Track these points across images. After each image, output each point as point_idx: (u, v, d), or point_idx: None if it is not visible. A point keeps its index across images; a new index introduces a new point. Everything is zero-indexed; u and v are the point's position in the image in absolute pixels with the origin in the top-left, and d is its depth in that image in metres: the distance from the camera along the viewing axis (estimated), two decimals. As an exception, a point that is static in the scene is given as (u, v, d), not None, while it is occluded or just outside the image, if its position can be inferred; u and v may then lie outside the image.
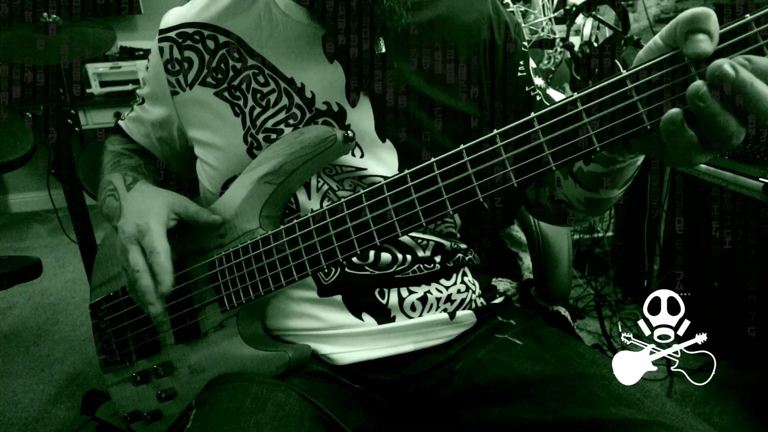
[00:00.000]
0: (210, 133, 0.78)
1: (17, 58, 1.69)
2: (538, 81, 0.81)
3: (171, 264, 0.69)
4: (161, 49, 0.80)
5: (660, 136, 0.46)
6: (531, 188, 0.80)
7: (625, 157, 0.58)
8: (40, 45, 1.59)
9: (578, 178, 0.66)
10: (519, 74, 0.78)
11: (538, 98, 0.78)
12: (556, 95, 0.85)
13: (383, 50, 0.72)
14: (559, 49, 2.13)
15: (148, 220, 0.70)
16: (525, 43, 0.80)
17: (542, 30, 2.12)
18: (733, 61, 0.41)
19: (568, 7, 1.98)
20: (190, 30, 0.79)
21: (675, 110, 0.44)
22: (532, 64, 0.81)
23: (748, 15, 0.43)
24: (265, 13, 0.76)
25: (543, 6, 2.13)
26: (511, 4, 2.05)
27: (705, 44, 0.43)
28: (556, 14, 2.08)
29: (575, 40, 2.01)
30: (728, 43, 0.44)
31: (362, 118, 0.73)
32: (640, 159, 0.61)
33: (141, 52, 3.23)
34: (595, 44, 1.87)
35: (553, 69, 2.17)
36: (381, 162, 0.74)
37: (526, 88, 0.78)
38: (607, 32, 1.93)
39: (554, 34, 2.14)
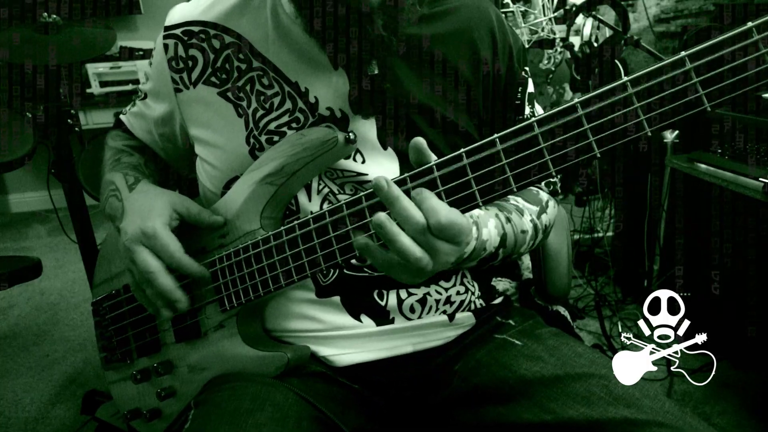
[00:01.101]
0: (212, 132, 0.78)
1: (17, 58, 1.69)
2: (527, 110, 0.83)
3: (191, 258, 0.71)
4: (166, 46, 0.80)
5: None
6: None
7: None
8: (40, 45, 1.59)
9: None
10: (516, 102, 0.80)
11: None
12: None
13: (375, 72, 0.72)
14: (559, 49, 2.13)
15: (152, 223, 0.70)
16: (527, 68, 0.81)
17: (542, 30, 2.12)
18: (389, 179, 0.55)
19: (568, 7, 1.99)
20: (195, 28, 0.79)
21: (361, 238, 0.57)
22: (530, 88, 0.82)
23: (749, 22, 0.43)
24: (272, 16, 0.76)
25: (543, 6, 2.13)
26: (511, 5, 2.05)
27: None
28: (556, 14, 2.08)
29: (575, 40, 2.02)
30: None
31: (365, 125, 0.73)
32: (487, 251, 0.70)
33: (141, 52, 3.23)
34: (595, 44, 1.87)
35: (553, 69, 2.18)
36: (382, 169, 0.74)
37: (516, 117, 0.80)
38: (607, 32, 1.93)
39: (554, 34, 2.14)
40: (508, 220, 0.74)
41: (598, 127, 0.49)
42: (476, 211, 0.70)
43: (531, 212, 0.78)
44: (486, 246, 0.70)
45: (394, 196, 0.54)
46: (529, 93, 0.82)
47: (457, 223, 0.54)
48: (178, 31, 0.79)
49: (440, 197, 0.57)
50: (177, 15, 0.80)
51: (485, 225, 0.70)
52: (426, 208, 0.54)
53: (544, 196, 0.82)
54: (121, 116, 0.93)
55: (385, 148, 0.74)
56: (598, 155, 0.50)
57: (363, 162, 0.74)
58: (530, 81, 0.83)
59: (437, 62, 0.75)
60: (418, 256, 0.54)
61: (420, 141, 0.57)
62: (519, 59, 0.80)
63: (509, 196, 0.73)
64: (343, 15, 0.66)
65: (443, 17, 0.77)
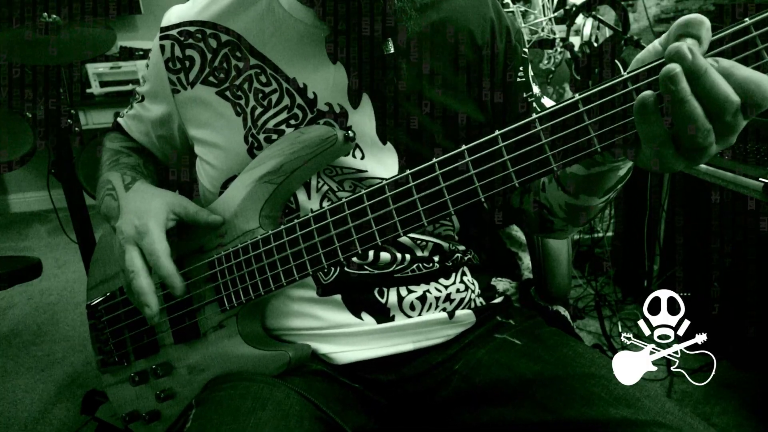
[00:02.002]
0: (211, 132, 0.78)
1: (17, 58, 1.69)
2: (534, 89, 0.81)
3: (173, 265, 0.68)
4: (162, 47, 0.80)
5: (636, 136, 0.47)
6: (516, 194, 0.80)
7: (604, 159, 0.58)
8: (40, 45, 1.59)
9: (561, 181, 0.67)
10: (518, 80, 0.78)
11: (534, 105, 0.79)
12: (550, 104, 0.87)
13: (391, 51, 0.71)
14: (559, 49, 2.13)
15: (146, 221, 0.70)
16: (525, 49, 0.80)
17: (542, 30, 2.12)
18: (692, 46, 0.42)
19: (568, 7, 1.98)
20: (191, 28, 0.79)
21: (648, 92, 0.44)
22: (531, 70, 0.81)
23: (747, 19, 0.43)
24: (268, 12, 0.76)
25: (543, 6, 2.13)
26: (511, 5, 2.05)
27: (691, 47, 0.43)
28: (556, 14, 2.08)
29: (575, 40, 2.01)
30: (725, 47, 0.44)
31: (364, 120, 0.73)
32: (623, 169, 0.62)
33: (141, 52, 3.22)
34: (595, 44, 1.87)
35: (553, 69, 2.17)
36: (381, 164, 0.74)
37: (524, 94, 0.79)
38: (607, 32, 1.93)
39: (554, 34, 2.14)
40: None
41: (600, 123, 0.49)
42: None
43: None
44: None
45: (701, 69, 0.42)
46: (531, 75, 0.81)
47: None
48: (174, 32, 0.79)
49: (442, 194, 0.57)
50: (173, 16, 0.81)
51: None
52: (740, 80, 0.42)
53: None
54: (119, 119, 0.93)
55: (384, 143, 0.74)
56: (599, 150, 0.50)
57: (362, 158, 0.74)
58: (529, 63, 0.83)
59: (435, 50, 0.75)
60: (708, 127, 0.44)
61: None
62: (518, 39, 0.79)
63: None
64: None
65: (438, 5, 0.77)
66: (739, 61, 0.44)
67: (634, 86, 0.47)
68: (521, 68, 0.78)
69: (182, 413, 0.75)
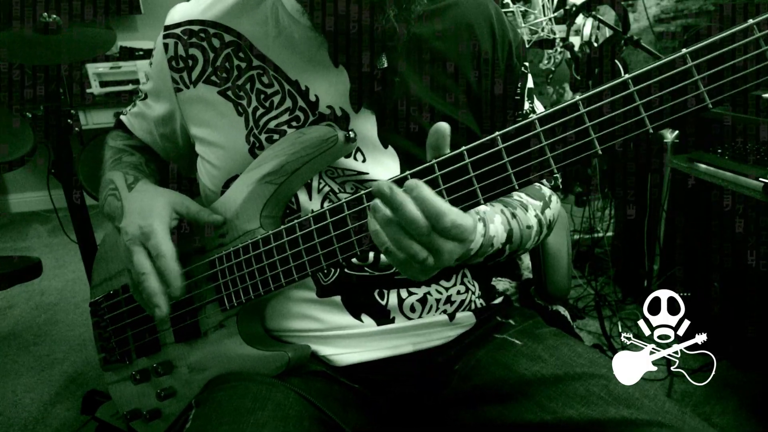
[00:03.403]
0: (212, 131, 0.78)
1: (17, 58, 1.69)
2: (526, 105, 0.83)
3: (179, 267, 0.69)
4: (166, 45, 0.80)
5: None
6: None
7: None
8: (40, 45, 1.59)
9: None
10: (516, 97, 0.80)
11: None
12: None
13: (385, 65, 0.72)
14: (559, 49, 2.13)
15: (151, 222, 0.70)
16: (526, 63, 0.81)
17: (542, 30, 2.12)
18: (392, 183, 0.52)
19: (568, 7, 1.99)
20: (195, 27, 0.79)
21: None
22: (530, 83, 0.82)
23: (751, 20, 0.43)
24: (272, 15, 0.76)
25: (543, 6, 2.13)
26: (511, 5, 2.05)
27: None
28: (556, 14, 2.08)
29: (575, 40, 2.02)
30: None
31: (365, 123, 0.73)
32: (473, 248, 0.67)
33: (141, 52, 3.23)
34: (595, 44, 1.88)
35: (553, 69, 2.18)
36: (383, 167, 0.74)
37: (515, 112, 0.81)
38: (607, 32, 1.93)
39: (554, 34, 2.15)
40: (514, 216, 0.74)
41: (600, 125, 0.49)
42: (482, 207, 0.70)
43: (535, 207, 0.78)
44: (493, 242, 0.70)
45: (398, 203, 0.52)
46: (529, 88, 0.82)
47: (462, 225, 0.53)
48: (178, 31, 0.79)
49: (441, 195, 0.57)
50: (177, 14, 0.81)
51: (492, 221, 0.70)
52: (431, 211, 0.52)
53: (546, 191, 0.83)
54: (122, 117, 0.93)
55: (385, 147, 0.74)
56: (600, 152, 0.50)
57: (363, 161, 0.74)
58: (529, 76, 0.83)
59: (438, 59, 0.76)
60: (423, 256, 0.54)
61: (445, 127, 0.55)
62: (518, 55, 0.80)
63: (512, 192, 0.73)
64: (354, 11, 0.65)
65: (443, 13, 0.77)
66: (676, 97, 0.46)
67: (636, 88, 0.47)
68: (519, 84, 0.80)
69: (182, 413, 0.75)
